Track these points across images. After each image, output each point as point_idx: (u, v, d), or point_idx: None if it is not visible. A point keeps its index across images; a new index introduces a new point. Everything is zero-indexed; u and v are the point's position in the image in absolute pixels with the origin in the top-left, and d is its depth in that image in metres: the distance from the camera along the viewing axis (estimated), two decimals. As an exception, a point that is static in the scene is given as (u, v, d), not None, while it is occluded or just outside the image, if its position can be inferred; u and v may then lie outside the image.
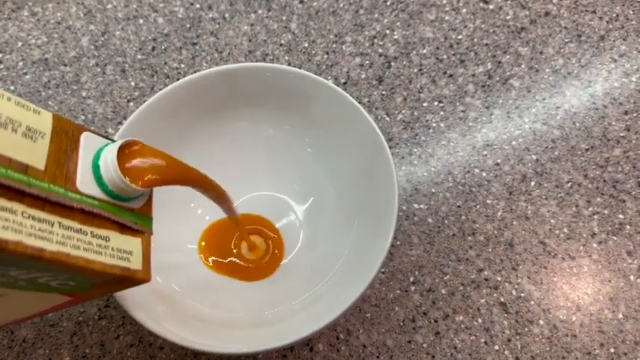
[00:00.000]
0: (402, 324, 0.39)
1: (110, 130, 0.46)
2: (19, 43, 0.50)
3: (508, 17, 0.50)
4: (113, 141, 0.26)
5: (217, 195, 0.32)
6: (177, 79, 0.40)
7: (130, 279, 0.25)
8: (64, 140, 0.24)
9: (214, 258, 0.39)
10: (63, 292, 0.26)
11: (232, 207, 0.34)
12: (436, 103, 0.46)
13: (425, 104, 0.46)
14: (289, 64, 0.48)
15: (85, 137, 0.25)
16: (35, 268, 0.23)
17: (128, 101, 0.47)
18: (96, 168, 0.25)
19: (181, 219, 0.39)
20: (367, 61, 0.48)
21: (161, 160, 0.27)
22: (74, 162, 0.24)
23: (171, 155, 0.28)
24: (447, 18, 0.50)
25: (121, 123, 0.46)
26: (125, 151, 0.26)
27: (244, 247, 0.40)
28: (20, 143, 0.22)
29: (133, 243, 0.26)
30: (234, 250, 0.40)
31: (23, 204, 0.22)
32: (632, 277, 0.39)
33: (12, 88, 0.47)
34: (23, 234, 0.21)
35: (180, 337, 0.30)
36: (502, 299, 0.39)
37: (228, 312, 0.37)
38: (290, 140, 0.41)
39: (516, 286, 0.39)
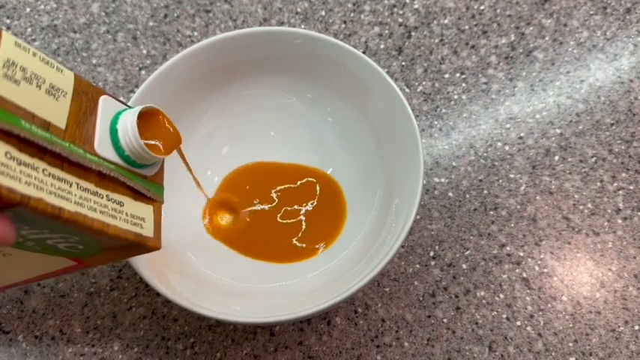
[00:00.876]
0: (421, 299, 0.38)
1: (121, 99, 0.45)
2: (28, 9, 0.49)
3: (531, -12, 0.48)
4: (129, 107, 0.26)
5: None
6: (193, 45, 0.39)
7: (141, 245, 0.25)
8: (84, 101, 0.24)
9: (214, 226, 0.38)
10: (69, 256, 0.26)
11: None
12: (458, 75, 0.45)
13: (446, 76, 0.45)
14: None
15: (103, 100, 0.25)
16: (48, 228, 0.22)
17: (140, 69, 0.46)
18: (114, 132, 0.24)
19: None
20: (386, 31, 0.46)
21: (176, 130, 0.27)
22: (92, 124, 0.24)
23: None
24: (468, -12, 0.48)
25: (132, 91, 0.45)
26: (143, 118, 0.26)
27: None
28: (43, 100, 0.22)
29: (146, 210, 0.26)
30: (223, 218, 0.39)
31: (44, 161, 0.21)
32: (658, 254, 0.38)
33: (20, 54, 0.46)
34: (44, 192, 0.21)
35: (198, 305, 0.29)
36: (525, 275, 0.38)
37: (243, 282, 0.36)
38: (311, 109, 0.39)
39: (539, 262, 0.38)
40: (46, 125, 0.22)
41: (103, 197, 0.24)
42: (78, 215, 0.22)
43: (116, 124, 0.25)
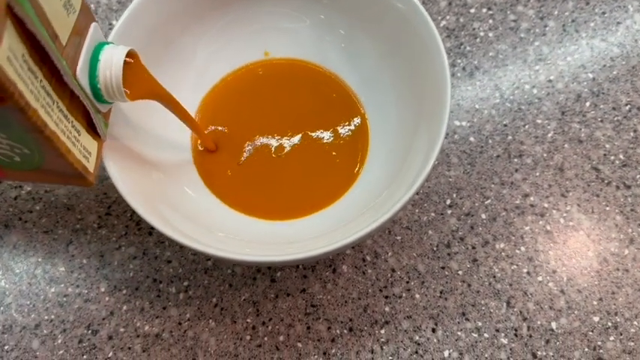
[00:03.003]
0: (435, 249, 0.35)
1: (114, 22, 0.41)
2: None
3: None
4: (108, 42, 0.26)
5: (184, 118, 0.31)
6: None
7: (81, 178, 0.25)
8: (82, 23, 0.24)
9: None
10: None
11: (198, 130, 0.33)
12: (485, 10, 0.41)
13: (472, 10, 0.41)
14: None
15: (94, 27, 0.25)
16: (11, 134, 0.21)
17: (135, -9, 0.42)
18: (94, 62, 0.24)
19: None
20: (408, -40, 0.42)
21: (150, 78, 0.27)
22: (80, 48, 0.24)
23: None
24: None
25: (126, 15, 0.41)
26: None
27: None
28: (60, 12, 0.22)
29: (92, 144, 0.26)
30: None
31: (42, 72, 0.21)
32: (694, 210, 0.36)
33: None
34: (39, 103, 0.20)
35: (197, 241, 0.26)
36: (548, 227, 0.35)
37: (246, 222, 0.33)
38: (322, 33, 0.35)
39: (565, 214, 0.35)
40: (54, 37, 0.21)
41: (70, 122, 0.23)
42: (54, 135, 0.22)
43: (99, 54, 0.24)
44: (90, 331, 0.33)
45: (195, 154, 0.34)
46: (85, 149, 0.25)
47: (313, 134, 0.35)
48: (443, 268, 0.34)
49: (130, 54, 0.25)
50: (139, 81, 0.26)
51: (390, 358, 0.32)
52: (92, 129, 0.26)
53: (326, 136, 0.35)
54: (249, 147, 0.34)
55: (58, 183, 0.26)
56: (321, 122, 0.35)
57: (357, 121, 0.35)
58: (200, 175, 0.34)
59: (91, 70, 0.24)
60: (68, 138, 0.23)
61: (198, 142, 0.35)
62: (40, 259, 0.35)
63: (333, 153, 0.34)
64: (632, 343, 0.32)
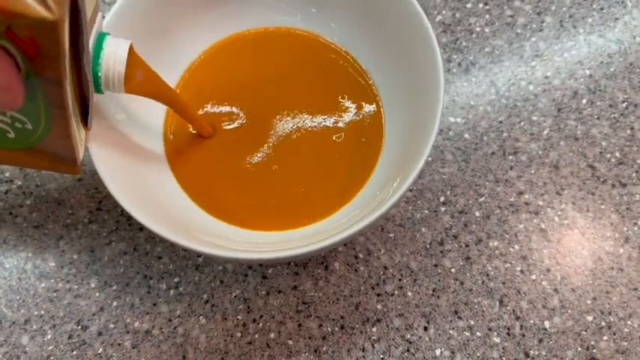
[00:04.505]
0: (428, 246, 0.34)
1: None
2: None
3: None
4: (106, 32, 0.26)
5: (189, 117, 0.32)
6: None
7: (72, 164, 0.25)
8: (96, 10, 0.24)
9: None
10: None
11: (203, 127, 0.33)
12: (481, 5, 0.40)
13: (468, 5, 0.40)
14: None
15: (100, 17, 0.25)
16: (24, 108, 0.21)
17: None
18: (98, 50, 0.24)
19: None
20: (404, -46, 0.42)
21: (149, 72, 0.28)
22: (89, 34, 0.23)
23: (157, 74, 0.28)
24: None
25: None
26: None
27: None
28: None
29: (82, 132, 0.26)
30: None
31: (70, 51, 0.20)
32: (690, 209, 0.35)
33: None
34: (67, 79, 0.20)
35: (190, 236, 0.26)
36: (543, 225, 0.35)
37: (236, 232, 0.32)
38: (314, 27, 0.35)
39: (559, 213, 0.35)
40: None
41: (74, 104, 0.23)
42: (69, 115, 0.22)
43: (101, 43, 0.24)
44: (80, 327, 0.33)
45: (170, 157, 0.33)
46: (79, 135, 0.25)
47: (318, 122, 0.34)
48: (436, 265, 0.34)
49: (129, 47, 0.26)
50: (136, 75, 0.26)
51: (382, 356, 0.32)
52: (82, 116, 0.25)
53: (335, 127, 0.34)
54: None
55: (41, 168, 0.26)
56: (329, 108, 0.34)
57: (372, 108, 0.34)
58: (186, 193, 0.33)
59: (93, 59, 0.24)
60: (74, 121, 0.23)
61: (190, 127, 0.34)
62: (30, 254, 0.35)
63: (345, 150, 0.33)
64: (626, 343, 0.32)
